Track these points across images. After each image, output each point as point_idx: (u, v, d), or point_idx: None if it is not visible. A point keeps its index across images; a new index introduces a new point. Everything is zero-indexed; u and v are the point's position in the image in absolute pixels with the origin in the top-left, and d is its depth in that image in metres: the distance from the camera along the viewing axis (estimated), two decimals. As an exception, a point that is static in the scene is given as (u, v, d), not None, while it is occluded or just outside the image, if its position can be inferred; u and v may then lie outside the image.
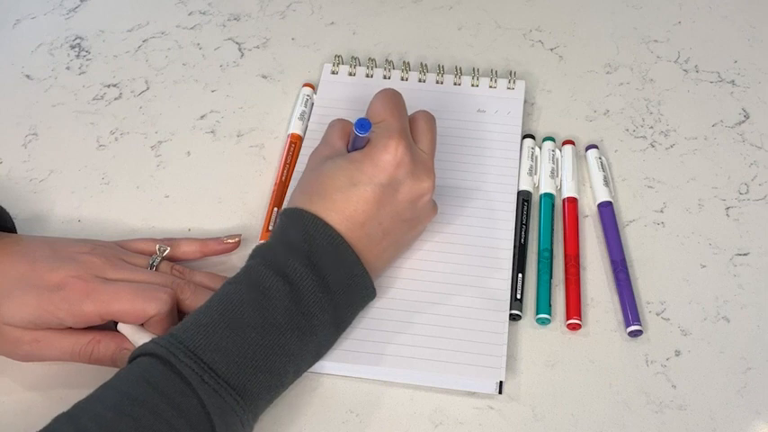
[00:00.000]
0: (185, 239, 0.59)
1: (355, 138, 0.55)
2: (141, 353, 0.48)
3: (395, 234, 0.56)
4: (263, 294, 0.50)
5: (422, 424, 0.53)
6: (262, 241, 0.56)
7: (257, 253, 0.53)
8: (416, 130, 0.58)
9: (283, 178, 0.64)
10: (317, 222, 0.53)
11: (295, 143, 0.66)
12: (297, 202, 0.55)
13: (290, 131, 0.67)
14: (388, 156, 0.54)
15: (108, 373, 0.48)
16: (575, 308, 0.57)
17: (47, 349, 0.53)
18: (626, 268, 0.59)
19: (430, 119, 0.59)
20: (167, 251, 0.58)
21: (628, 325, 0.56)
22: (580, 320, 0.57)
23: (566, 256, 0.60)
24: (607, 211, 0.62)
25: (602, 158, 0.65)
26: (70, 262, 0.53)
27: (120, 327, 0.53)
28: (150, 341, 0.49)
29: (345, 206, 0.54)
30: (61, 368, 0.55)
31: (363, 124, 0.54)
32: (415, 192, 0.55)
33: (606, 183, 0.63)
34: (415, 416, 0.54)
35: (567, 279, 0.59)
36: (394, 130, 0.55)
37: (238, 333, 0.49)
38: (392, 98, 0.58)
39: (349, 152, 0.56)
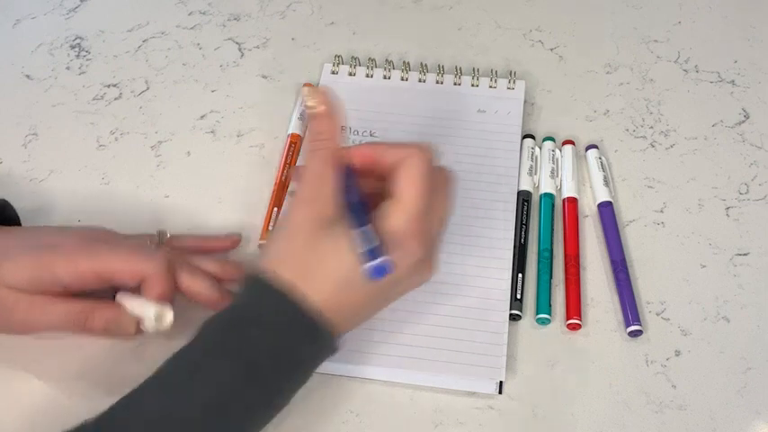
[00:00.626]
0: (184, 234, 0.59)
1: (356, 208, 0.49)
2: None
3: (382, 308, 0.53)
4: (213, 372, 0.46)
5: (422, 424, 0.53)
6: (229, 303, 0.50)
7: (218, 320, 0.48)
8: (434, 201, 0.51)
9: (283, 178, 0.64)
10: (298, 312, 0.48)
11: (295, 143, 0.66)
12: (279, 270, 0.48)
13: (290, 131, 0.67)
14: (404, 266, 0.49)
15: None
16: (575, 308, 0.57)
17: (41, 315, 0.51)
18: (626, 268, 0.59)
19: (449, 186, 0.53)
20: (167, 237, 0.58)
21: (628, 325, 0.56)
22: (580, 320, 0.57)
23: (566, 256, 0.60)
24: (607, 211, 0.62)
25: (602, 158, 0.65)
26: (67, 229, 0.54)
27: (119, 297, 0.52)
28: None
29: (340, 296, 0.48)
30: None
31: (379, 269, 0.47)
32: (415, 283, 0.53)
33: (606, 183, 0.63)
34: (415, 416, 0.54)
35: (567, 279, 0.59)
36: (418, 220, 0.49)
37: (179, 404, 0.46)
38: (426, 177, 0.50)
39: (350, 214, 0.49)
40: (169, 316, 0.52)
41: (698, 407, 0.54)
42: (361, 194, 0.50)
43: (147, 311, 0.51)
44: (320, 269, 0.48)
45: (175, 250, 0.57)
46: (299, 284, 0.48)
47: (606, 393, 0.55)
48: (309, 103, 0.51)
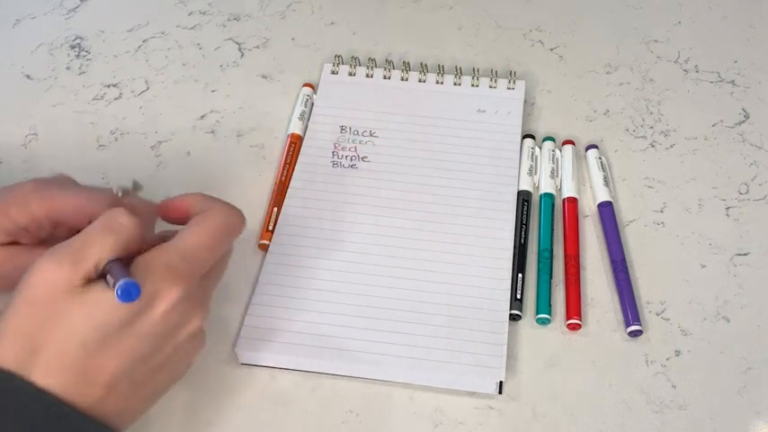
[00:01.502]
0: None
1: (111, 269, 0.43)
2: None
3: (152, 383, 0.46)
4: None
5: (422, 424, 0.53)
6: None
7: None
8: (211, 257, 0.47)
9: (283, 178, 0.64)
10: (41, 398, 0.41)
11: (295, 143, 0.66)
12: (9, 361, 0.41)
13: (290, 131, 0.67)
14: (150, 302, 0.44)
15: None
16: (575, 308, 0.57)
17: (18, 265, 0.46)
18: (626, 268, 0.59)
19: (227, 252, 0.49)
20: (141, 189, 0.54)
21: (628, 325, 0.56)
22: (580, 320, 0.57)
23: (566, 256, 0.60)
24: (607, 211, 0.62)
25: (602, 158, 0.65)
26: (32, 179, 0.51)
27: None
28: None
29: (89, 370, 0.42)
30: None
31: (129, 291, 0.41)
32: (180, 336, 0.46)
33: (606, 183, 0.63)
34: (415, 416, 0.54)
35: (567, 279, 0.59)
36: (172, 267, 0.45)
37: None
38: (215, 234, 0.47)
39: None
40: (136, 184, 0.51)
41: (698, 407, 0.54)
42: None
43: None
44: (54, 341, 0.42)
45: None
46: (27, 366, 0.41)
47: (606, 393, 0.55)
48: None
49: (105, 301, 0.42)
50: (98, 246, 0.43)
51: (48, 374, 0.42)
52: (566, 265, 0.60)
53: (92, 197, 0.50)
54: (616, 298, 0.58)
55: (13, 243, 0.51)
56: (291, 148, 0.66)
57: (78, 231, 0.46)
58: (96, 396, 0.43)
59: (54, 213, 0.50)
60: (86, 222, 0.47)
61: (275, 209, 0.62)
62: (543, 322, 0.57)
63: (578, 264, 0.60)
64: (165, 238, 0.48)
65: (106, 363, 0.43)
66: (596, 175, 0.64)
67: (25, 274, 0.43)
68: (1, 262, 0.51)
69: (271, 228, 0.61)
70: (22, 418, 0.41)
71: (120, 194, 0.52)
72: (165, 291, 0.44)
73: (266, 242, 0.61)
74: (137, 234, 0.45)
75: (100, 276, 0.44)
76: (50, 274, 0.42)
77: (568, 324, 0.57)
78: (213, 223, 0.48)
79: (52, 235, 0.52)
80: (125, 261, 0.44)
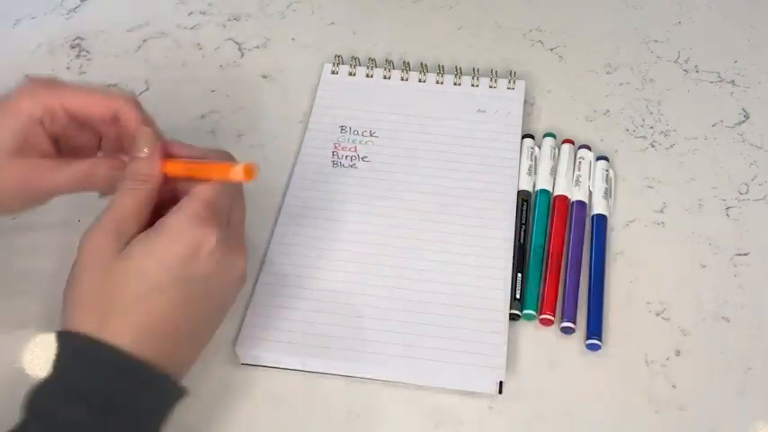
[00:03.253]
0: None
1: None
2: None
3: (206, 327, 0.50)
4: None
5: (422, 424, 0.53)
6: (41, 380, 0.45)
7: (35, 401, 0.44)
8: (231, 200, 0.51)
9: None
10: (103, 352, 0.44)
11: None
12: (79, 324, 0.45)
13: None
14: (195, 249, 0.46)
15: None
16: (549, 303, 0.57)
17: (53, 181, 0.51)
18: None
19: (237, 191, 0.52)
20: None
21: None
22: (553, 316, 0.57)
23: (550, 252, 0.60)
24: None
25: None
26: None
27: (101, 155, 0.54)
28: None
29: (145, 318, 0.45)
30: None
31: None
32: (227, 278, 0.49)
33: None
34: (415, 416, 0.54)
35: (548, 275, 0.59)
36: (201, 216, 0.47)
37: None
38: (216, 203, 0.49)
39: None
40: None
41: (698, 407, 0.54)
42: None
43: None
44: (119, 301, 0.45)
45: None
46: (101, 329, 0.44)
47: (606, 393, 0.55)
48: (142, 149, 0.51)
49: (153, 256, 0.46)
50: (132, 209, 0.48)
51: (119, 334, 0.45)
52: (549, 261, 0.60)
53: (109, 93, 0.52)
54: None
55: (32, 155, 0.51)
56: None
57: (96, 132, 0.53)
58: (164, 351, 0.46)
59: (72, 106, 0.51)
60: (109, 115, 0.52)
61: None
62: (529, 318, 0.57)
63: (560, 260, 0.59)
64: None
65: (166, 313, 0.46)
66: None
67: (78, 248, 0.47)
68: (35, 176, 0.51)
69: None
70: (103, 378, 0.44)
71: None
72: (202, 236, 0.47)
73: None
74: (160, 177, 0.50)
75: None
76: (100, 243, 0.47)
77: (541, 319, 0.57)
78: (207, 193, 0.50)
79: (65, 135, 0.53)
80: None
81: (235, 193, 0.52)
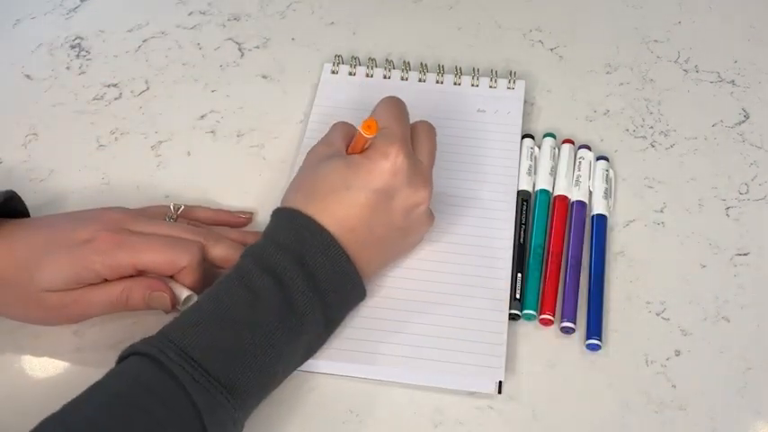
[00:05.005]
0: (198, 206, 0.62)
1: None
2: (132, 352, 0.48)
3: (387, 241, 0.56)
4: (254, 294, 0.50)
5: (422, 424, 0.53)
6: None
7: (248, 252, 0.53)
8: (417, 140, 0.57)
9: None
10: (310, 224, 0.53)
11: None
12: (290, 202, 0.55)
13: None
14: (387, 163, 0.54)
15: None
16: (549, 303, 0.57)
17: (86, 307, 0.54)
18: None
19: (431, 129, 0.59)
20: (182, 209, 0.60)
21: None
22: (553, 316, 0.57)
23: (550, 252, 0.60)
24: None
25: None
26: (91, 220, 0.55)
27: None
28: (140, 341, 0.49)
29: (338, 208, 0.53)
30: (60, 368, 0.55)
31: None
32: (410, 201, 0.55)
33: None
34: (415, 416, 0.54)
35: (548, 275, 0.59)
36: (395, 136, 0.54)
37: (229, 331, 0.49)
38: (396, 105, 0.58)
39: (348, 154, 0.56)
40: (195, 299, 0.55)
41: (698, 407, 0.54)
42: None
43: (178, 292, 0.55)
44: (323, 191, 0.54)
45: (192, 221, 0.60)
46: (310, 210, 0.53)
47: (606, 393, 0.55)
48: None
49: (342, 158, 0.55)
50: (338, 137, 0.58)
51: (320, 214, 0.53)
52: (548, 261, 0.60)
53: (180, 251, 0.54)
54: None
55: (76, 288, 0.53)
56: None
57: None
58: (348, 239, 0.53)
59: (141, 265, 0.54)
60: (172, 272, 0.54)
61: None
62: (529, 318, 0.57)
63: (560, 261, 0.59)
64: None
65: (351, 209, 0.53)
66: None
67: (308, 152, 0.58)
68: (72, 305, 0.53)
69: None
70: (310, 248, 0.52)
71: (175, 216, 0.60)
72: (387, 153, 0.54)
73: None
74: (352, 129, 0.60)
75: None
76: (315, 152, 0.57)
77: (541, 319, 0.57)
78: (382, 104, 0.58)
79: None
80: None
81: (419, 128, 0.58)
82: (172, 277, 0.55)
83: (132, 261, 0.53)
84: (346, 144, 0.57)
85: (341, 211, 0.53)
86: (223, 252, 0.56)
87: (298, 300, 0.51)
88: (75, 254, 0.52)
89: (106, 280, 0.54)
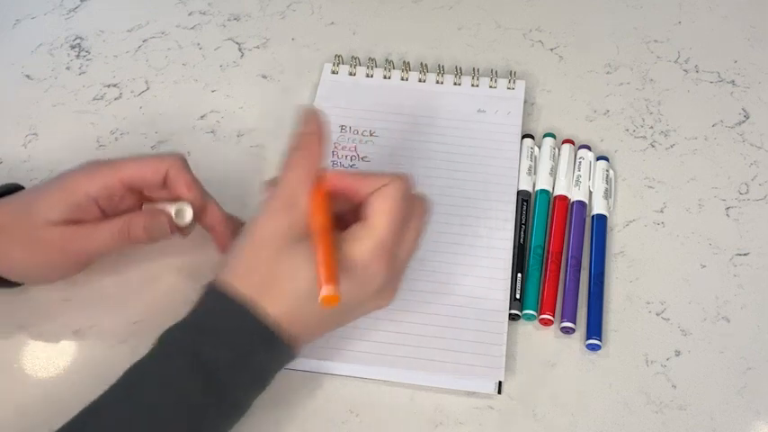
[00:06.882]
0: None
1: None
2: None
3: (342, 325, 0.54)
4: (178, 394, 0.47)
5: (422, 424, 0.53)
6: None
7: (170, 338, 0.49)
8: (406, 229, 0.52)
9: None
10: (264, 331, 0.49)
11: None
12: (246, 291, 0.49)
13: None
14: (367, 290, 0.50)
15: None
16: (549, 303, 0.57)
17: (88, 241, 0.54)
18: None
19: (424, 214, 0.53)
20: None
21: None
22: (553, 316, 0.57)
23: (550, 252, 0.60)
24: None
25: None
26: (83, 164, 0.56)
27: (144, 207, 0.57)
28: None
29: (301, 313, 0.49)
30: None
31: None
32: (375, 305, 0.53)
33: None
34: (415, 416, 0.54)
35: (548, 275, 0.59)
36: (386, 247, 0.50)
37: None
38: (400, 210, 0.51)
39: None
40: (188, 211, 0.56)
41: (698, 407, 0.54)
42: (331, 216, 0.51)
43: (168, 210, 0.55)
44: (282, 284, 0.49)
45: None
46: (258, 298, 0.48)
47: (606, 393, 0.55)
48: (305, 127, 0.52)
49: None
50: (301, 188, 0.50)
51: (273, 305, 0.48)
52: (548, 261, 0.60)
53: (162, 157, 0.55)
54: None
55: (76, 222, 0.54)
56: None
57: (147, 197, 0.56)
58: (300, 331, 0.50)
59: (130, 177, 0.55)
60: (160, 179, 0.55)
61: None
62: (529, 318, 0.57)
63: (560, 260, 0.59)
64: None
65: (315, 317, 0.50)
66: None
67: (249, 224, 0.51)
68: (75, 239, 0.54)
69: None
70: (252, 339, 0.48)
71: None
72: (369, 282, 0.50)
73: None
74: (321, 153, 0.52)
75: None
76: (273, 221, 0.50)
77: (541, 319, 0.57)
78: (391, 200, 0.50)
79: (116, 207, 0.56)
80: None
81: (413, 228, 0.52)
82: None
83: (117, 174, 0.54)
84: (309, 190, 0.51)
85: (304, 315, 0.50)
86: (213, 208, 0.57)
87: (220, 395, 0.48)
88: (63, 181, 0.54)
89: (104, 213, 0.55)
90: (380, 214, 0.50)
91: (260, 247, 0.50)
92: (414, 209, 0.52)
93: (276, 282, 0.49)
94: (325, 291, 0.47)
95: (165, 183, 0.56)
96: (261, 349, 0.49)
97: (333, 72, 0.71)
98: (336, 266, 0.48)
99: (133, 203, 0.57)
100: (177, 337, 0.49)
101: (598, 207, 0.62)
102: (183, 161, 0.56)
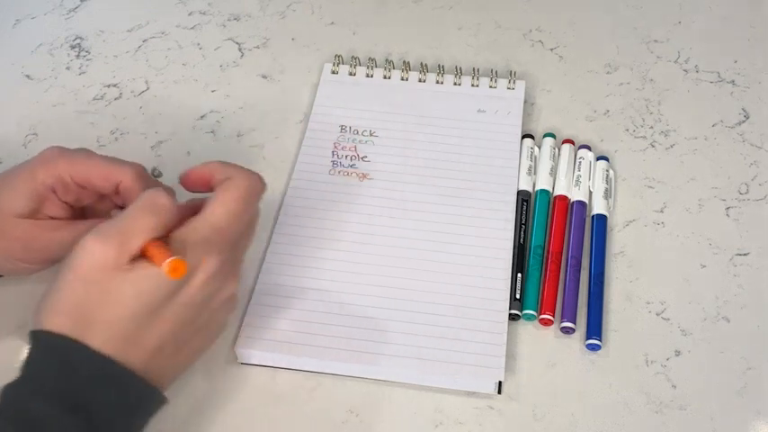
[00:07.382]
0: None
1: None
2: None
3: (193, 346, 0.50)
4: None
5: (422, 424, 0.53)
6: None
7: (10, 400, 0.44)
8: (242, 225, 0.50)
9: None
10: (93, 359, 0.45)
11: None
12: (66, 330, 0.45)
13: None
14: (200, 278, 0.47)
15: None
16: (549, 303, 0.57)
17: (49, 241, 0.53)
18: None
19: (252, 221, 0.52)
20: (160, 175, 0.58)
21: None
22: (553, 316, 0.57)
23: (550, 252, 0.60)
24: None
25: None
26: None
27: (113, 213, 0.55)
28: None
29: (137, 337, 0.46)
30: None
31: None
32: (215, 303, 0.50)
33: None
34: (415, 416, 0.54)
35: (548, 275, 0.59)
36: (208, 242, 0.48)
37: None
38: (238, 204, 0.49)
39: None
40: None
41: (698, 407, 0.54)
42: None
43: None
44: (106, 314, 0.45)
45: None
46: (79, 334, 0.45)
47: (606, 393, 0.55)
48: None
49: (152, 277, 0.45)
50: (141, 227, 0.46)
51: (101, 342, 0.45)
52: (548, 261, 0.60)
53: (118, 166, 0.53)
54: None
55: (41, 212, 0.54)
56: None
57: (103, 196, 0.54)
58: (143, 359, 0.47)
59: (80, 177, 0.53)
60: (113, 189, 0.53)
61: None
62: (529, 318, 0.57)
63: (560, 261, 0.59)
64: (193, 207, 0.50)
65: (152, 331, 0.47)
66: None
67: (73, 252, 0.46)
68: (39, 234, 0.53)
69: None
70: (80, 375, 0.45)
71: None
72: (203, 263, 0.47)
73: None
74: (175, 213, 0.48)
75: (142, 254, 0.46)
76: (100, 253, 0.45)
77: (540, 319, 0.57)
78: (237, 192, 0.50)
79: (78, 200, 0.55)
80: (163, 237, 0.47)
81: (249, 222, 0.52)
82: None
83: (70, 171, 0.53)
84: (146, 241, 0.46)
85: (142, 339, 0.46)
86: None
87: None
88: (24, 168, 0.54)
89: (70, 206, 0.54)
90: (215, 202, 0.49)
91: (83, 281, 0.46)
92: (253, 211, 0.52)
93: (109, 315, 0.45)
94: (168, 262, 0.44)
95: (117, 191, 0.53)
96: (98, 386, 0.45)
97: (333, 72, 0.71)
98: (168, 247, 0.46)
99: (100, 201, 0.55)
100: (9, 394, 0.44)
101: (598, 207, 0.62)
102: (137, 174, 0.53)
